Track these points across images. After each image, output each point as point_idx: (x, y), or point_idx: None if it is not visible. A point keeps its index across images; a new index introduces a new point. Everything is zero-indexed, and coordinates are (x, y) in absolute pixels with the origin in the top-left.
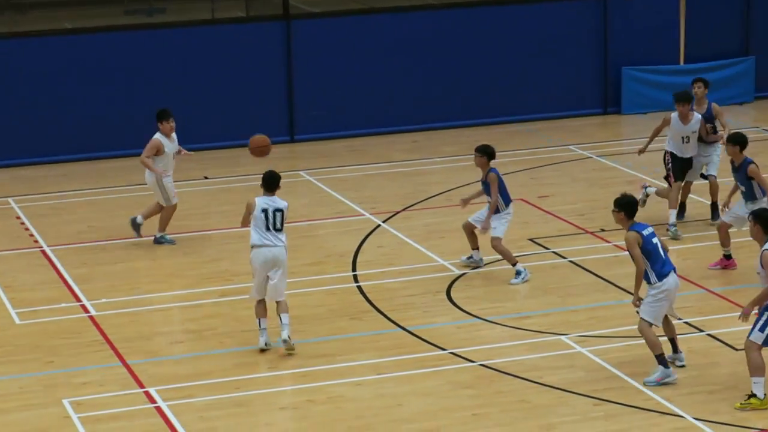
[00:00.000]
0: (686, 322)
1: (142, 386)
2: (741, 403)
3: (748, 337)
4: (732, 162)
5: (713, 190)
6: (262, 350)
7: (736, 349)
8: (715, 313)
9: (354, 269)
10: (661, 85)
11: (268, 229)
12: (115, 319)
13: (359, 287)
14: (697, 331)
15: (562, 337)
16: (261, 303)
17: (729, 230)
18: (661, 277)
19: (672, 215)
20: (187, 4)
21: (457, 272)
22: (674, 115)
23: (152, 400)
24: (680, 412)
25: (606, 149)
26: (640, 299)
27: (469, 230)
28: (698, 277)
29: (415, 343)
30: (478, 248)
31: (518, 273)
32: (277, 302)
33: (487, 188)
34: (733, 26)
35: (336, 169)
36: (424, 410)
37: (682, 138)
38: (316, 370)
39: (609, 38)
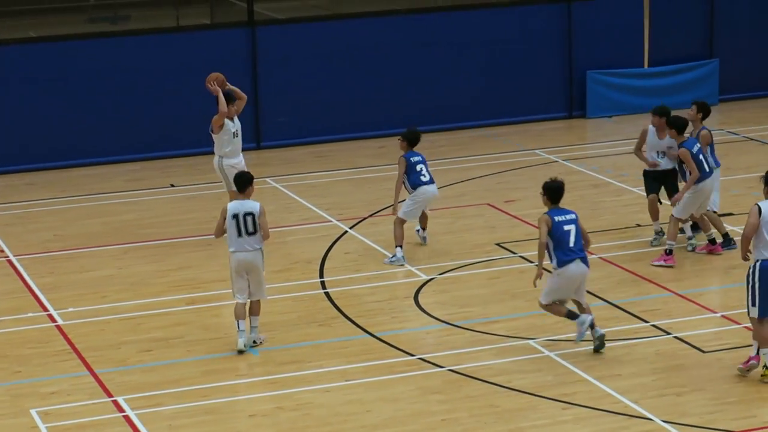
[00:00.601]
0: (654, 325)
1: (110, 395)
2: (762, 375)
3: (749, 314)
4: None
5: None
6: (240, 352)
7: (704, 351)
8: (682, 315)
9: (321, 276)
10: (625, 88)
11: (240, 234)
12: (82, 328)
13: (327, 294)
14: (664, 333)
15: (531, 341)
16: (241, 305)
17: (705, 217)
18: (561, 263)
19: (687, 229)
20: (152, 11)
21: (425, 277)
22: (651, 127)
23: (120, 409)
24: (649, 415)
25: (571, 153)
26: (540, 276)
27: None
28: (666, 279)
29: (384, 349)
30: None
31: (394, 255)
32: (252, 302)
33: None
34: (697, 29)
35: (302, 176)
36: (393, 416)
37: (657, 152)
38: (285, 377)
39: (574, 42)
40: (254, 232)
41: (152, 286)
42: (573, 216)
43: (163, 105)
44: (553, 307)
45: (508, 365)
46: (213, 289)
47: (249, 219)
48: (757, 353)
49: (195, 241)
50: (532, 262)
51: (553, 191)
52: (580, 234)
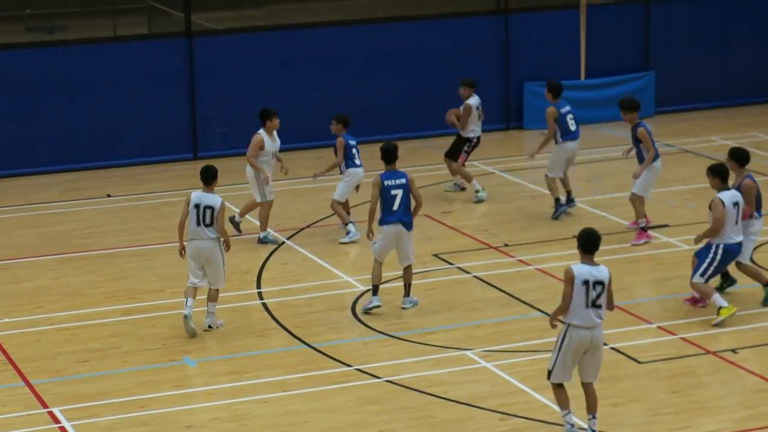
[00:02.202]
0: None
1: (45, 406)
2: (715, 321)
3: (691, 278)
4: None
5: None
6: (186, 317)
7: (639, 362)
8: (618, 326)
9: (259, 286)
10: (562, 100)
11: (198, 224)
12: (17, 338)
13: (264, 304)
14: None
15: (467, 352)
16: (192, 288)
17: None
18: (382, 222)
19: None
20: (89, 21)
21: (362, 288)
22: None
23: (56, 421)
24: (585, 425)
25: (509, 164)
26: (371, 233)
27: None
28: None
29: (321, 360)
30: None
31: (348, 232)
32: (210, 289)
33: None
34: (633, 41)
35: (240, 186)
36: (330, 427)
37: None
38: (222, 387)
39: (510, 54)
40: (211, 224)
41: (88, 297)
42: (404, 180)
43: (100, 115)
44: (376, 270)
45: (445, 376)
46: (149, 299)
47: (208, 212)
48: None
49: (131, 252)
50: (469, 273)
51: (389, 152)
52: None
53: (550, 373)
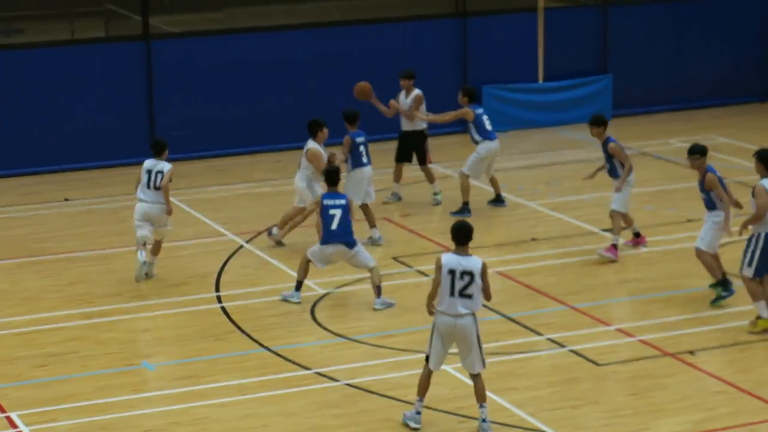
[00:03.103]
0: (549, 339)
1: (3, 411)
2: (750, 327)
3: (740, 272)
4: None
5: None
6: (144, 263)
7: (598, 364)
8: (577, 328)
9: (217, 290)
10: (521, 103)
11: (148, 186)
12: None
13: (223, 308)
14: (559, 346)
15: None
16: (141, 244)
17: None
18: (323, 241)
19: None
20: (46, 24)
21: (321, 292)
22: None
23: (14, 425)
24: (544, 428)
25: None
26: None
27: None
28: (560, 293)
29: (280, 363)
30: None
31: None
32: (154, 243)
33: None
34: (590, 45)
35: (198, 190)
36: (290, 430)
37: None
38: (181, 391)
39: (469, 57)
40: (159, 188)
41: (46, 301)
42: (343, 202)
43: (58, 118)
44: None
45: (404, 379)
46: (108, 303)
47: (159, 176)
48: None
49: (90, 256)
50: (427, 276)
51: (331, 174)
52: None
53: (428, 358)
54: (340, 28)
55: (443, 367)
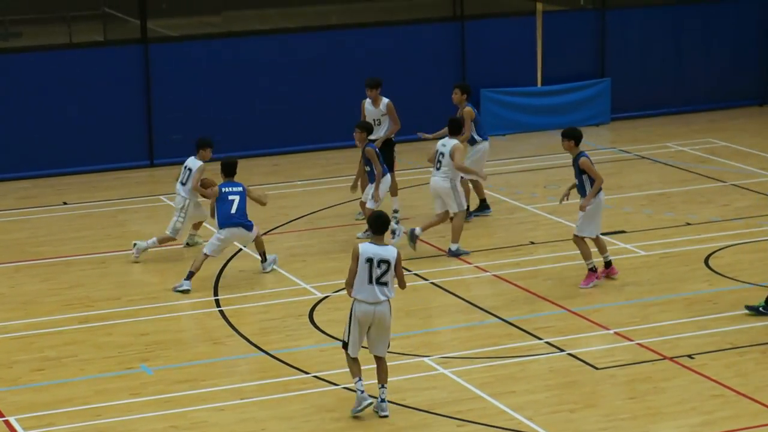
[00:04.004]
0: (547, 342)
1: (1, 415)
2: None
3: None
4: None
5: None
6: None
7: (597, 368)
8: (575, 332)
9: (216, 294)
10: (519, 107)
11: (180, 182)
12: None
13: (221, 311)
14: (558, 350)
15: (425, 359)
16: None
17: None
18: (221, 226)
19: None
20: (44, 28)
21: (320, 295)
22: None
23: (12, 429)
24: (542, 431)
25: None
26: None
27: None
28: (559, 297)
29: (278, 367)
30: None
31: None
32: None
33: (366, 161)
34: (589, 48)
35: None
36: None
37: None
38: (179, 395)
39: (467, 60)
40: (185, 183)
41: (44, 305)
42: (241, 189)
43: (56, 122)
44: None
45: (402, 383)
46: (105, 307)
47: (187, 173)
48: None
49: (87, 260)
50: (426, 279)
51: (227, 167)
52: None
53: (345, 344)
54: (337, 32)
55: (442, 370)
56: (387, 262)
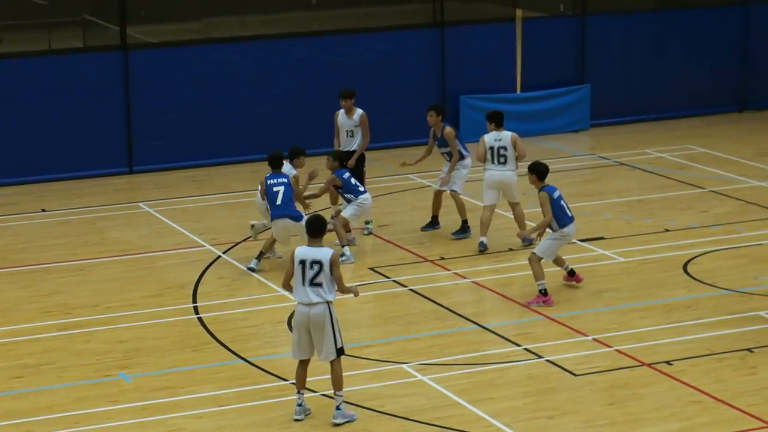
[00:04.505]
0: (526, 349)
1: None
2: None
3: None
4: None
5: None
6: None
7: (575, 375)
8: (554, 339)
9: (195, 300)
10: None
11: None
12: None
13: (200, 319)
14: (536, 357)
15: (404, 366)
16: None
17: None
18: (271, 218)
19: None
20: (24, 34)
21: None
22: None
23: None
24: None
25: None
26: None
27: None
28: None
29: (257, 374)
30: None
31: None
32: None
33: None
34: (568, 55)
35: (176, 200)
36: None
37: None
38: (157, 402)
39: (447, 66)
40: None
41: (23, 312)
42: (285, 180)
43: (35, 128)
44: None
45: (381, 389)
46: (84, 314)
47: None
48: None
49: (66, 267)
50: (405, 286)
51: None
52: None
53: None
54: (318, 38)
55: (421, 377)
56: (319, 262)
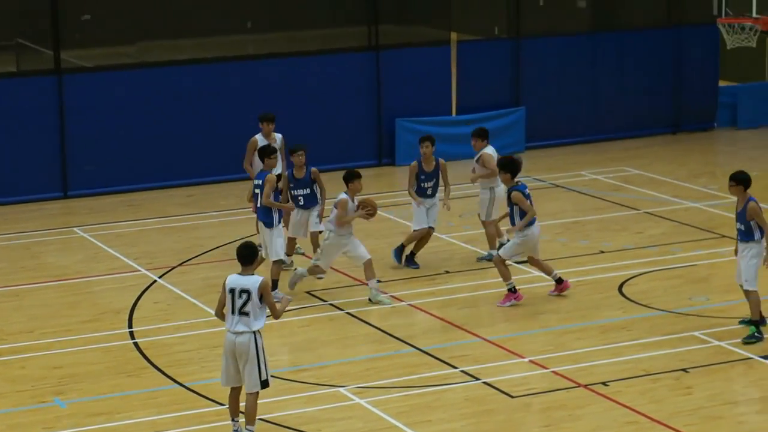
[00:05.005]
0: (463, 371)
1: None
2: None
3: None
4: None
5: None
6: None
7: (512, 396)
8: (490, 360)
9: (130, 325)
10: (434, 136)
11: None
12: None
13: (136, 344)
14: (473, 379)
15: (341, 389)
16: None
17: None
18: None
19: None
20: None
21: None
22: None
23: None
24: None
25: (381, 201)
26: None
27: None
28: (474, 325)
29: (194, 399)
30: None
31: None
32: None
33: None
34: (503, 77)
35: (111, 225)
36: None
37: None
38: (93, 428)
39: (382, 90)
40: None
41: None
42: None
43: None
44: None
45: (317, 413)
46: (19, 340)
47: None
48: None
49: (1, 292)
50: (341, 309)
51: None
52: None
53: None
54: (253, 62)
55: (358, 400)
56: (247, 291)
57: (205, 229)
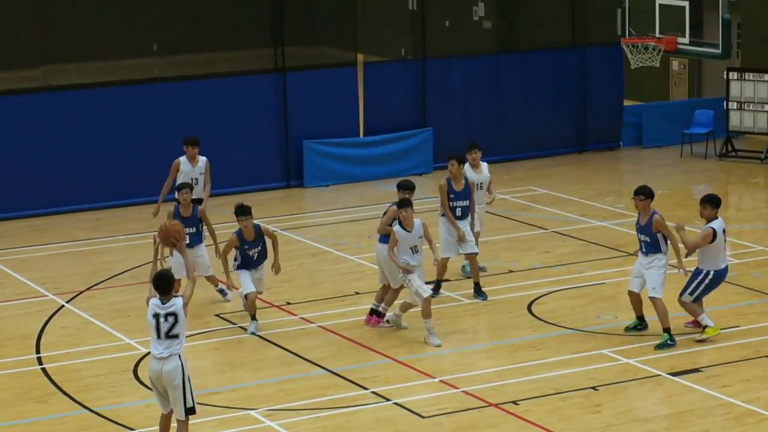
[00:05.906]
0: (373, 392)
1: None
2: (699, 337)
3: (680, 297)
4: None
5: None
6: None
7: (423, 417)
8: (401, 381)
9: (38, 351)
10: (341, 157)
11: None
12: None
13: (44, 369)
14: (384, 400)
15: (251, 412)
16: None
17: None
18: None
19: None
20: None
21: (144, 350)
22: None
23: None
24: None
25: (289, 222)
26: None
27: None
28: (385, 346)
29: (103, 424)
30: None
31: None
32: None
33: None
34: (410, 98)
35: (17, 250)
36: None
37: None
38: None
39: (289, 112)
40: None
41: None
42: None
43: None
44: None
45: None
46: None
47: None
48: (694, 321)
49: None
50: (253, 332)
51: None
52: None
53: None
54: (160, 85)
55: (269, 423)
56: (174, 314)
57: (114, 253)
